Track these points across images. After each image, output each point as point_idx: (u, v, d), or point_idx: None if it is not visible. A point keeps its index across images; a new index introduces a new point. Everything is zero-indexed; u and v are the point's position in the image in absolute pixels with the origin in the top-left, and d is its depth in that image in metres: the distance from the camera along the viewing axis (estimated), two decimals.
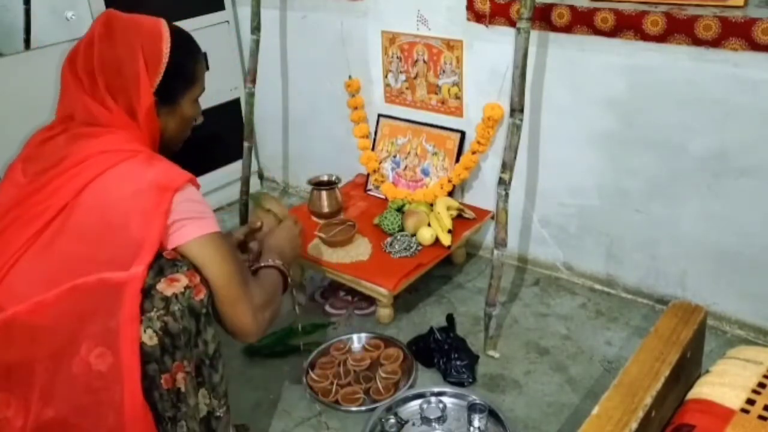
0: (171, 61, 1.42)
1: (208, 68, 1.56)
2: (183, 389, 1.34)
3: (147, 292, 1.28)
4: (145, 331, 1.27)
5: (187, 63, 1.48)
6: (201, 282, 1.35)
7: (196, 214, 1.36)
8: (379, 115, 2.65)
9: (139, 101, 1.39)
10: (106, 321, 1.25)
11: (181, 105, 1.48)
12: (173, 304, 1.30)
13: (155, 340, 1.28)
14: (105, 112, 1.39)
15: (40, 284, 1.27)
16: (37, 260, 1.30)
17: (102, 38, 1.41)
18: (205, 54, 1.54)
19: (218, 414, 1.44)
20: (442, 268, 2.43)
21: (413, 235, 2.31)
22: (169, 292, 1.29)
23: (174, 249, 1.33)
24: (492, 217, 2.39)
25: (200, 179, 3.15)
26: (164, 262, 1.31)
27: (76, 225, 1.30)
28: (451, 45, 2.35)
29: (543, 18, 2.07)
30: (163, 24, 1.48)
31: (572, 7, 2.01)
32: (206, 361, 1.39)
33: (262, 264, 1.64)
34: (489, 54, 2.26)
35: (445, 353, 1.99)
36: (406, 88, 2.54)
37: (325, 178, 2.51)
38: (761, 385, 1.28)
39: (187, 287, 1.31)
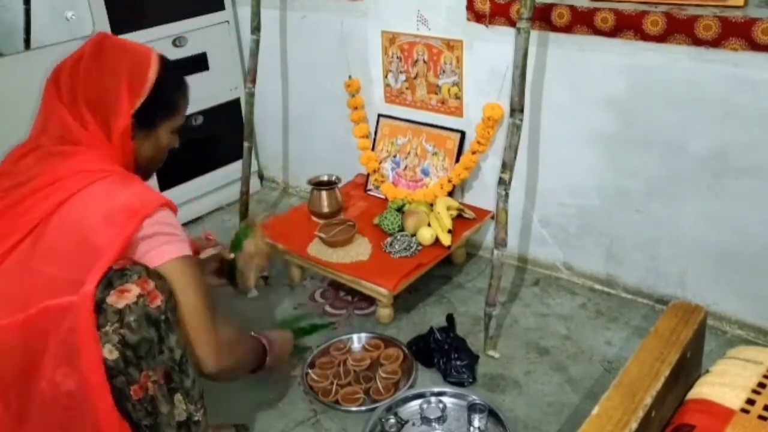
0: (155, 88, 1.42)
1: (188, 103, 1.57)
2: (156, 397, 1.34)
3: (99, 306, 1.26)
4: (104, 346, 1.26)
5: (171, 93, 1.48)
6: (156, 288, 1.31)
7: (165, 238, 1.34)
8: (379, 115, 2.65)
9: (117, 120, 1.38)
10: (67, 341, 1.25)
11: (158, 132, 1.48)
12: (127, 315, 1.27)
13: (116, 354, 1.27)
14: (80, 129, 1.38)
15: (8, 305, 1.26)
16: (5, 279, 1.29)
17: (90, 56, 1.41)
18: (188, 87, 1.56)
19: (196, 418, 1.43)
20: (442, 268, 2.43)
21: (413, 235, 2.31)
22: (121, 304, 1.27)
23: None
24: (492, 217, 2.39)
25: (200, 179, 3.17)
26: (112, 274, 1.28)
27: (47, 245, 1.29)
28: (451, 45, 2.35)
29: (543, 18, 2.07)
30: (153, 52, 1.46)
31: (572, 7, 2.01)
32: (175, 367, 1.37)
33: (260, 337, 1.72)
34: (489, 54, 2.26)
35: (445, 353, 1.99)
36: (406, 88, 2.54)
37: (325, 178, 2.51)
38: (761, 385, 1.28)
39: (139, 296, 1.29)
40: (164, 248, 1.34)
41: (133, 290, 1.28)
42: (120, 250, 1.28)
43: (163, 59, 1.47)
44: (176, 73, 1.51)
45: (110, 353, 1.26)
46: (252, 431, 1.84)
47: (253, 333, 1.71)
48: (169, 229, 1.36)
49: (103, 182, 1.33)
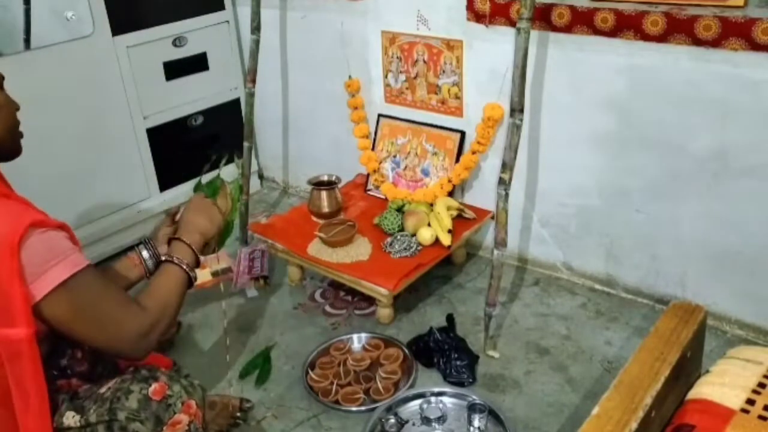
0: None
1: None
2: None
3: None
4: None
5: None
6: (197, 405, 1.33)
7: (42, 267, 1.22)
8: (379, 115, 2.65)
9: None
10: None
11: None
12: None
13: None
14: None
15: None
16: None
17: None
18: None
19: None
20: (442, 268, 2.43)
21: (413, 235, 2.31)
22: None
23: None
24: (492, 217, 2.39)
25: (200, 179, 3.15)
26: (156, 407, 1.29)
27: None
28: (451, 45, 2.35)
29: (543, 18, 2.07)
30: None
31: (572, 7, 2.01)
32: None
33: (165, 257, 1.50)
34: (489, 54, 2.26)
35: (445, 353, 1.99)
36: (406, 88, 2.54)
37: (325, 178, 2.51)
38: (761, 385, 1.28)
39: (190, 422, 1.32)
40: (42, 280, 1.22)
41: (184, 420, 1.31)
42: (24, 292, 1.19)
43: None
44: None
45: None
46: (252, 431, 1.84)
47: (166, 256, 1.50)
48: (44, 256, 1.22)
49: None
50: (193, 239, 1.52)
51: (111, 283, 1.35)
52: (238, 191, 1.78)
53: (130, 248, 1.63)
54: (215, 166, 1.86)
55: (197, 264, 1.53)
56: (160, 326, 1.37)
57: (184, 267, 1.46)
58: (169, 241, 1.55)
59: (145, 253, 1.59)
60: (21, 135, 1.43)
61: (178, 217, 1.63)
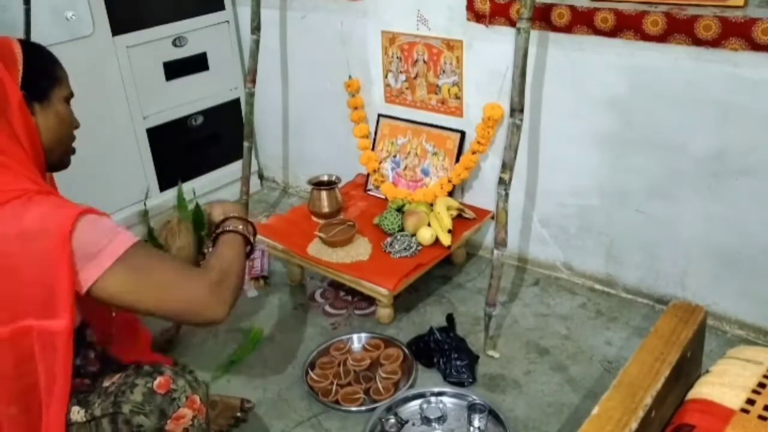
0: (27, 60, 1.37)
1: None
2: None
3: None
4: None
5: (45, 62, 1.43)
6: (201, 401, 1.34)
7: (95, 248, 1.25)
8: (379, 115, 2.65)
9: (8, 98, 1.31)
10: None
11: (53, 102, 1.40)
12: None
13: None
14: None
15: None
16: None
17: None
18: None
19: None
20: (442, 268, 2.43)
21: (413, 235, 2.31)
22: (179, 431, 1.30)
23: (88, 291, 1.25)
24: (492, 217, 2.39)
25: (200, 179, 3.16)
26: (161, 400, 1.29)
27: None
28: (451, 45, 2.35)
29: (543, 18, 2.07)
30: (8, 37, 1.41)
31: (572, 7, 2.01)
32: None
33: (221, 230, 1.52)
34: (489, 54, 2.26)
35: (445, 353, 1.99)
36: (406, 88, 2.54)
37: (325, 178, 2.51)
38: (761, 385, 1.28)
39: (193, 417, 1.32)
40: (96, 262, 1.25)
41: (187, 414, 1.31)
42: (70, 277, 1.22)
43: (20, 40, 1.42)
44: (40, 47, 1.47)
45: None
46: (252, 431, 1.84)
47: (221, 229, 1.53)
48: (96, 239, 1.25)
49: (13, 203, 1.24)
50: (240, 212, 1.57)
51: (165, 253, 1.40)
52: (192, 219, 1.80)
53: None
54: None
55: (254, 232, 1.58)
56: (229, 281, 1.38)
57: (240, 230, 1.51)
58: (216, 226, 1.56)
59: None
60: (73, 151, 1.48)
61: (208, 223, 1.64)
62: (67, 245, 1.21)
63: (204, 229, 1.70)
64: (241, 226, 1.53)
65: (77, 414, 1.30)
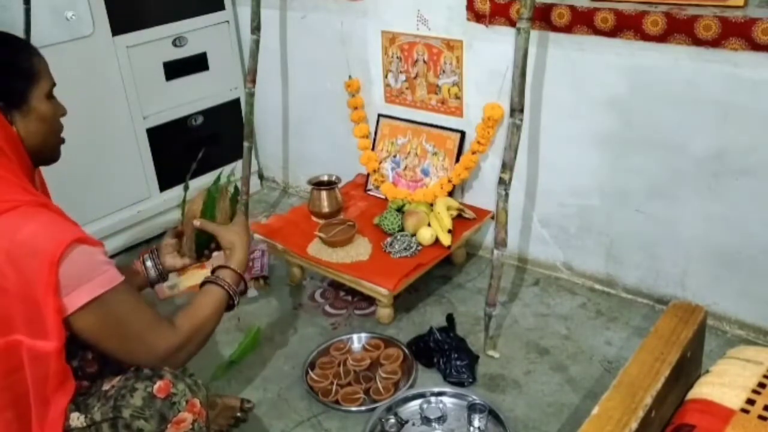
0: (1, 62, 1.30)
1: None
2: None
3: None
4: None
5: (17, 60, 1.33)
6: (201, 404, 1.34)
7: (77, 282, 1.23)
8: (379, 115, 2.65)
9: None
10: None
11: (33, 105, 1.33)
12: None
13: None
14: None
15: None
16: None
17: None
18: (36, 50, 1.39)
19: None
20: (442, 268, 2.43)
21: (413, 235, 2.31)
22: None
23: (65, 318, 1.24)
24: (492, 217, 2.39)
25: (200, 179, 3.18)
26: (160, 405, 1.29)
27: None
28: (451, 45, 2.35)
29: (543, 18, 2.07)
30: None
31: (572, 7, 2.01)
32: None
33: (211, 278, 1.54)
34: (489, 54, 2.26)
35: (445, 353, 1.99)
36: (406, 88, 2.54)
37: (325, 178, 2.51)
38: (761, 385, 1.28)
39: (194, 421, 1.32)
40: (76, 294, 1.23)
41: (188, 418, 1.31)
42: (57, 304, 1.21)
43: None
44: (15, 39, 1.38)
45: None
46: (252, 431, 1.84)
47: (211, 277, 1.54)
48: (78, 271, 1.23)
49: (6, 215, 1.22)
50: (240, 265, 1.57)
51: (143, 301, 1.37)
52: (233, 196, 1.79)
53: (140, 254, 1.69)
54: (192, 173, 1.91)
55: (244, 290, 1.59)
56: (190, 348, 1.41)
57: (226, 287, 1.51)
58: (218, 268, 1.57)
59: (148, 263, 1.66)
60: (63, 141, 1.44)
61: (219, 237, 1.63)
62: (54, 271, 1.19)
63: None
64: (231, 282, 1.52)
65: (77, 420, 1.29)
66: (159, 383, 1.30)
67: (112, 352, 1.32)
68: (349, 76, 2.66)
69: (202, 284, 1.54)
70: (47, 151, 1.40)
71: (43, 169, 1.48)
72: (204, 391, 1.37)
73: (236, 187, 1.84)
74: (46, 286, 1.19)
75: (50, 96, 1.38)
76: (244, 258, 1.59)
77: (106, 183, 2.64)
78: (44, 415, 1.26)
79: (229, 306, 1.54)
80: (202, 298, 1.49)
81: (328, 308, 2.35)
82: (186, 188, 1.83)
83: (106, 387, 1.33)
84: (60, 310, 1.21)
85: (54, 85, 1.39)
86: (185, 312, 1.44)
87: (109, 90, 2.58)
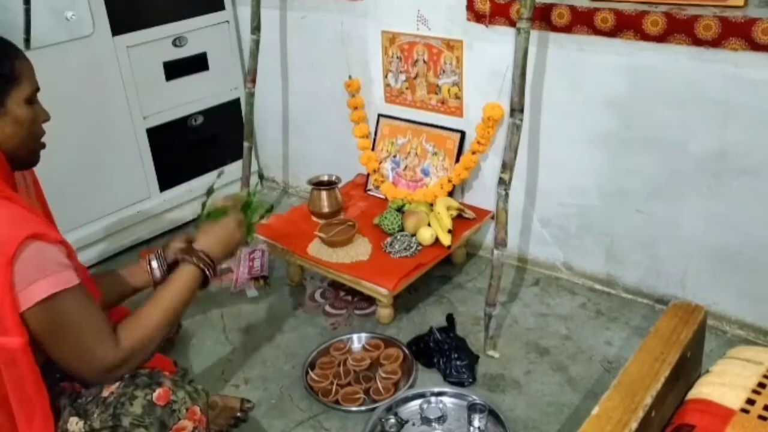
0: None
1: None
2: None
3: None
4: None
5: (1, 62, 1.29)
6: (201, 411, 1.34)
7: (32, 278, 1.21)
8: (379, 115, 2.65)
9: None
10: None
11: (9, 108, 1.30)
12: None
13: None
14: None
15: None
16: None
17: None
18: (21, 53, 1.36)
19: None
20: (442, 268, 2.43)
21: (413, 235, 2.31)
22: None
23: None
24: (492, 217, 2.39)
25: (200, 179, 3.17)
26: (161, 412, 1.28)
27: None
28: (451, 45, 2.35)
29: (543, 18, 2.07)
30: None
31: (572, 7, 2.01)
32: None
33: (182, 257, 1.51)
34: (489, 54, 2.26)
35: (445, 353, 1.99)
36: (406, 88, 2.54)
37: (325, 178, 2.51)
38: (761, 385, 1.28)
39: (194, 428, 1.32)
40: (28, 291, 1.20)
41: (188, 426, 1.30)
42: (12, 302, 1.19)
43: None
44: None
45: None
46: (252, 431, 1.84)
47: (183, 256, 1.52)
48: (35, 269, 1.21)
49: None
50: (209, 248, 1.54)
51: (94, 309, 1.31)
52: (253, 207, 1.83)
53: (140, 254, 1.68)
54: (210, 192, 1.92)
55: (213, 271, 1.53)
56: (133, 362, 1.34)
57: (195, 261, 1.47)
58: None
59: (153, 264, 1.64)
60: (43, 146, 1.42)
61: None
62: (8, 268, 1.17)
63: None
64: (196, 260, 1.48)
65: (75, 425, 1.29)
66: (159, 391, 1.30)
67: (55, 356, 1.28)
68: (349, 76, 2.66)
69: (171, 266, 1.51)
70: (23, 154, 1.37)
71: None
72: (204, 397, 1.37)
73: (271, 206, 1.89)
74: (2, 283, 1.17)
75: (32, 101, 1.35)
76: (213, 240, 1.56)
77: (107, 183, 2.64)
78: (31, 415, 1.25)
79: (204, 281, 1.49)
80: (150, 307, 1.41)
81: (328, 308, 2.35)
82: (209, 192, 1.86)
83: (105, 393, 1.31)
84: (16, 306, 1.19)
85: (37, 89, 1.36)
86: (136, 318, 1.37)
87: (109, 90, 2.58)
